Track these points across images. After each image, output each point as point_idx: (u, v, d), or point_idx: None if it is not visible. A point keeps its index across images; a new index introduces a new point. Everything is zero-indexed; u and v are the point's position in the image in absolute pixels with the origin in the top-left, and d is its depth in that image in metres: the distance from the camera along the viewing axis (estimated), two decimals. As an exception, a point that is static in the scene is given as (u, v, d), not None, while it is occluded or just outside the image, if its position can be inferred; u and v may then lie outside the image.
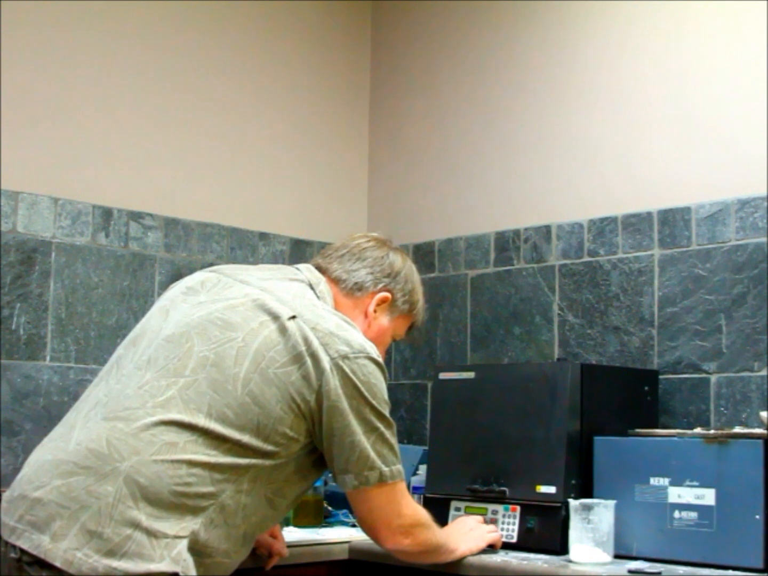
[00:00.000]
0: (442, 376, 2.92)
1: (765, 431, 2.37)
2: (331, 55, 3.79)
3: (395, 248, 2.36)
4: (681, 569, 2.33)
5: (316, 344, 1.98)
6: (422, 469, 2.97)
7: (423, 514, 2.23)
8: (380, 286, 2.26)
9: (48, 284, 2.99)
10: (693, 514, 2.39)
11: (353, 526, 2.97)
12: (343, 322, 2.05)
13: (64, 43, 3.11)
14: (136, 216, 3.20)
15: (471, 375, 2.85)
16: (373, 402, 2.02)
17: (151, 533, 1.77)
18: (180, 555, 1.78)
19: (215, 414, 1.90)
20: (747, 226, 2.80)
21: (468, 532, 2.47)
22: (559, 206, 3.26)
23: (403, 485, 2.12)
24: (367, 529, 2.19)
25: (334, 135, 3.80)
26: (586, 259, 3.15)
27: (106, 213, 3.14)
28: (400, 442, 3.48)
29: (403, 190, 3.76)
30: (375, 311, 2.25)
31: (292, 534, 2.74)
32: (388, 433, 2.06)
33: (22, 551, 1.80)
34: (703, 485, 2.38)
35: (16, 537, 1.81)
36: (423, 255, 3.62)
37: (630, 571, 2.31)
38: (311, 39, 3.74)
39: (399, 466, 2.09)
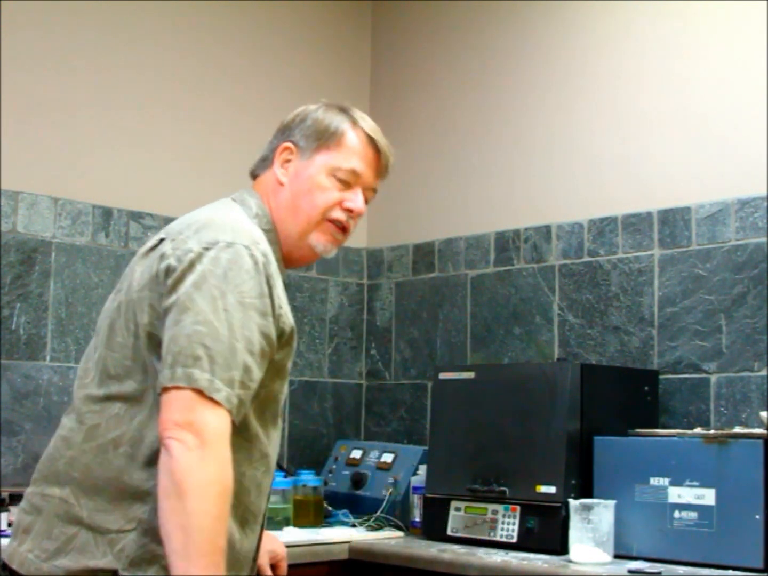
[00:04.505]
0: (442, 376, 2.92)
1: (765, 431, 2.37)
2: (331, 55, 3.79)
3: (314, 104, 2.04)
4: (681, 569, 2.33)
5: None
6: (422, 469, 2.97)
7: None
8: (277, 144, 1.98)
9: (48, 284, 2.99)
10: (693, 514, 2.39)
11: (353, 526, 2.97)
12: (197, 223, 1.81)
13: (64, 43, 3.11)
14: (136, 216, 3.20)
15: (471, 375, 2.85)
16: None
17: (94, 529, 1.71)
18: (123, 551, 1.68)
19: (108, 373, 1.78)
20: (747, 226, 2.80)
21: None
22: (559, 206, 3.26)
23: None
24: None
25: (334, 135, 3.79)
26: (586, 259, 3.15)
27: (106, 213, 3.14)
28: (400, 442, 3.51)
29: (402, 190, 3.76)
30: (283, 167, 1.95)
31: (292, 534, 2.74)
32: None
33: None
34: (703, 485, 2.38)
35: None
36: (423, 255, 3.62)
37: (630, 571, 2.31)
38: (311, 39, 3.74)
39: None
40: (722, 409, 2.79)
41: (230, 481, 1.62)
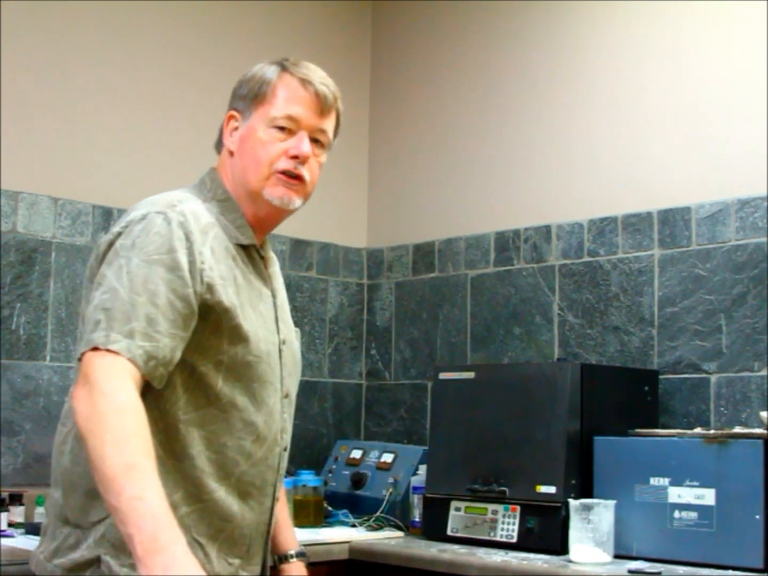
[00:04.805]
0: (442, 376, 2.92)
1: (765, 431, 2.37)
2: (331, 55, 3.79)
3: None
4: (681, 569, 2.33)
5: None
6: (422, 469, 2.97)
7: None
8: (224, 117, 1.96)
9: (48, 284, 2.99)
10: (693, 514, 2.39)
11: (353, 526, 2.97)
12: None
13: (64, 43, 3.11)
14: (136, 216, 3.20)
15: (471, 375, 2.85)
16: None
17: (80, 526, 1.74)
18: (104, 537, 1.70)
19: None
20: (747, 226, 2.80)
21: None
22: (559, 206, 3.26)
23: None
24: None
25: (334, 135, 3.79)
26: (586, 259, 3.15)
27: (106, 213, 3.14)
28: (400, 442, 3.51)
29: (403, 190, 3.76)
30: (232, 136, 1.93)
31: (292, 534, 2.74)
32: None
33: None
34: (703, 485, 2.38)
35: None
36: (423, 255, 3.62)
37: (630, 571, 2.31)
38: (311, 39, 3.74)
39: None
40: (722, 409, 2.79)
41: (125, 405, 1.57)
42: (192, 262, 1.72)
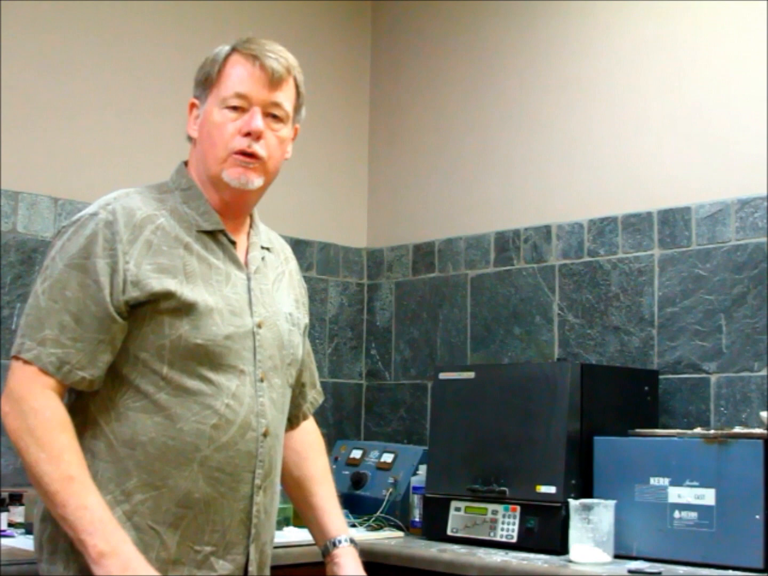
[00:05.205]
0: (442, 376, 2.92)
1: (765, 431, 2.37)
2: (331, 55, 3.79)
3: None
4: (681, 569, 2.33)
5: None
6: (422, 469, 2.97)
7: None
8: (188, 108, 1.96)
9: (48, 284, 2.99)
10: (693, 514, 2.39)
11: (353, 526, 2.97)
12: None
13: (64, 44, 3.11)
14: (136, 216, 3.20)
15: (471, 375, 2.85)
16: None
17: (50, 518, 1.77)
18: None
19: None
20: (747, 226, 2.80)
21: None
22: (559, 206, 3.26)
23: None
24: None
25: (334, 135, 3.80)
26: (586, 259, 3.15)
27: (106, 213, 3.14)
28: (400, 442, 3.51)
29: (403, 190, 3.76)
30: (194, 123, 1.92)
31: (292, 534, 2.74)
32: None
33: None
34: (703, 485, 2.38)
35: None
36: (423, 255, 3.62)
37: (630, 571, 2.31)
38: (311, 39, 3.74)
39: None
40: (722, 409, 2.79)
41: (53, 421, 1.70)
42: (114, 263, 1.76)
